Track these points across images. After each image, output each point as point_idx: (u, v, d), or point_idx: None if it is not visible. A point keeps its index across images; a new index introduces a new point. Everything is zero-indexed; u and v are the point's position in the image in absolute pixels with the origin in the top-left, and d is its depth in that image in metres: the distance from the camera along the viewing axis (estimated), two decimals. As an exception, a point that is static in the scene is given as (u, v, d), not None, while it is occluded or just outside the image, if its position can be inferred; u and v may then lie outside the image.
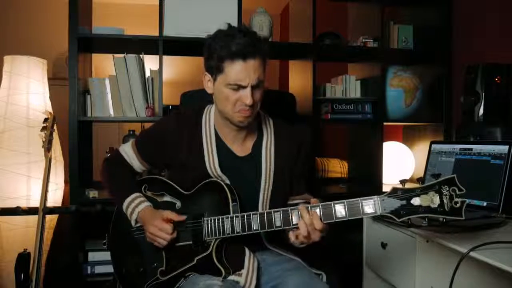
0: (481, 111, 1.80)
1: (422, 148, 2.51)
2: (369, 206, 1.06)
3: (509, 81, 1.81)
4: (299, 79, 2.49)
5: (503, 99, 1.81)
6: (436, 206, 1.00)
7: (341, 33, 2.49)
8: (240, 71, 1.20)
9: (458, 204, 0.98)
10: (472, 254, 1.05)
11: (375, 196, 1.06)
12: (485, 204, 1.47)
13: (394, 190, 1.04)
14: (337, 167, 2.75)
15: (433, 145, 1.78)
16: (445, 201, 0.99)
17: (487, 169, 1.50)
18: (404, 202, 1.03)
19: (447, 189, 0.99)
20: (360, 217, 1.08)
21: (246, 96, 1.21)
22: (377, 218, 1.57)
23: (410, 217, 1.02)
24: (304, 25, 2.35)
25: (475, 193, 1.50)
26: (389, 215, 1.04)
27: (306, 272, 1.26)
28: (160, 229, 1.23)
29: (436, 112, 2.44)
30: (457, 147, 1.65)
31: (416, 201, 1.02)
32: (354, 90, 2.39)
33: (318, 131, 3.05)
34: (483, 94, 1.80)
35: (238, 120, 1.26)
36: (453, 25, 2.40)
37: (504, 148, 1.45)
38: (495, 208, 1.41)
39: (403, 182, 1.05)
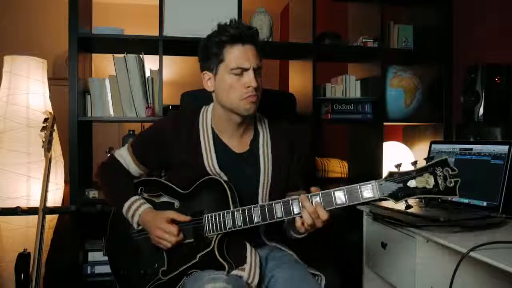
0: (481, 111, 1.80)
1: (422, 148, 2.51)
2: (367, 190, 1.09)
3: (509, 81, 1.81)
4: (299, 79, 2.49)
5: (503, 99, 1.81)
6: (431, 187, 1.04)
7: (341, 33, 2.48)
8: (240, 55, 1.24)
9: (452, 184, 1.03)
10: (472, 254, 1.05)
11: (373, 181, 1.09)
12: (485, 204, 1.46)
13: (391, 174, 1.08)
14: (337, 167, 2.75)
15: (433, 145, 1.78)
16: (439, 181, 1.04)
17: (487, 169, 1.50)
18: (401, 185, 1.06)
19: (441, 170, 1.04)
20: (359, 202, 1.10)
21: (250, 78, 1.24)
22: (377, 218, 1.57)
23: (407, 198, 1.06)
24: (304, 25, 2.35)
25: (475, 193, 1.50)
26: (387, 198, 1.07)
27: (297, 268, 1.26)
28: (166, 232, 1.23)
29: (436, 112, 2.44)
30: (457, 147, 1.65)
31: (412, 183, 1.06)
32: (354, 90, 2.39)
33: (318, 131, 3.05)
34: (483, 94, 1.80)
35: (245, 107, 1.27)
36: (453, 25, 2.40)
37: (504, 148, 1.45)
38: (495, 208, 1.41)
39: (398, 166, 1.07)
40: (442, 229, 1.27)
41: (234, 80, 1.25)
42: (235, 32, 1.24)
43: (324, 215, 1.10)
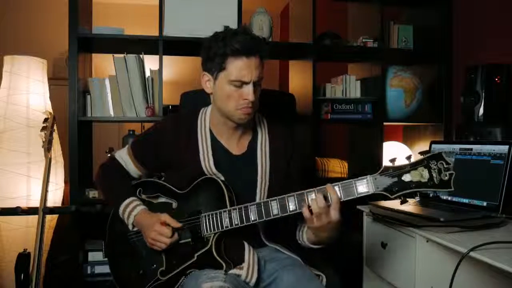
0: (481, 111, 1.80)
1: (422, 148, 2.51)
2: (363, 186, 1.09)
3: (509, 81, 1.81)
4: (299, 79, 2.49)
5: (503, 99, 1.81)
6: (426, 180, 1.04)
7: (341, 33, 2.49)
8: (242, 67, 1.22)
9: (446, 177, 1.03)
10: (472, 254, 1.05)
11: (368, 176, 1.09)
12: (485, 204, 1.46)
13: (386, 168, 1.08)
14: (337, 167, 2.75)
15: (433, 145, 1.78)
16: (434, 175, 1.04)
17: (487, 169, 1.50)
18: (395, 179, 1.07)
19: (435, 163, 1.04)
20: (354, 197, 1.10)
21: (248, 92, 1.23)
22: (377, 218, 1.57)
23: (402, 193, 1.06)
24: (304, 25, 2.35)
25: (475, 193, 1.50)
26: (382, 192, 1.07)
27: (302, 270, 1.26)
28: (159, 233, 1.23)
29: (436, 112, 2.44)
30: (457, 147, 1.65)
31: (407, 177, 1.06)
32: (354, 90, 2.39)
33: (318, 131, 3.05)
34: (483, 94, 1.80)
35: (239, 117, 1.27)
36: (453, 25, 2.40)
37: (504, 148, 1.45)
38: (495, 208, 1.41)
39: (392, 160, 1.07)
40: (442, 229, 1.27)
41: (233, 91, 1.24)
42: (240, 45, 1.20)
43: (335, 215, 1.10)
